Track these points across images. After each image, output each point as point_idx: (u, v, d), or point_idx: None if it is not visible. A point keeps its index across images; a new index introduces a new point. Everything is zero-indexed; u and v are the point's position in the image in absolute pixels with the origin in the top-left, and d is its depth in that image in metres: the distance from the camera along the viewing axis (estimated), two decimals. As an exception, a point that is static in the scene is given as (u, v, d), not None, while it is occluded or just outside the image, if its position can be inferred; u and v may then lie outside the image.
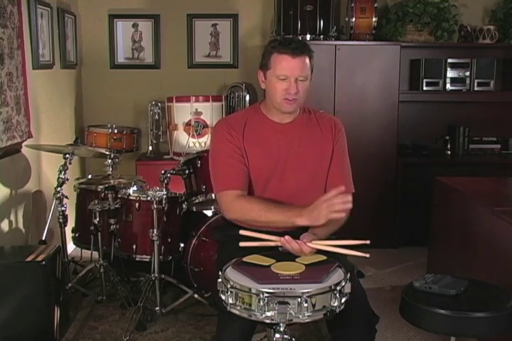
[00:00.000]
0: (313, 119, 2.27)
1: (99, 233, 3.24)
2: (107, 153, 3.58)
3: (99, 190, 3.37)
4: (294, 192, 2.20)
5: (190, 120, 4.19)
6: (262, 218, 2.04)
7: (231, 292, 1.71)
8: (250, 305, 1.67)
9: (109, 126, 4.15)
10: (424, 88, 4.44)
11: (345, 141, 2.30)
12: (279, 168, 2.19)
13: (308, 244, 1.92)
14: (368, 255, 1.86)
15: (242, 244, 1.93)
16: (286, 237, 1.92)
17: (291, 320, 1.65)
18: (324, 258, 1.92)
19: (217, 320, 2.12)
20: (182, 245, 3.24)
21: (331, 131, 2.25)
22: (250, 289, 1.68)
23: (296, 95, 2.10)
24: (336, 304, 1.70)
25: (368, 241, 1.87)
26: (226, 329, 1.96)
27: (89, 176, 3.74)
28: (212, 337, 2.14)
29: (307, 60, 2.14)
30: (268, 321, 1.66)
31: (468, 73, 4.44)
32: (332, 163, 2.24)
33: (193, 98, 4.21)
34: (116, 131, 4.14)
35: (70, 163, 3.26)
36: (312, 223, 1.95)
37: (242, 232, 1.97)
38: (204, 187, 3.08)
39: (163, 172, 3.13)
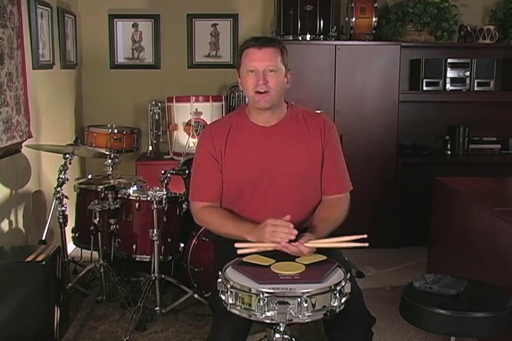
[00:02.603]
0: (301, 120, 2.22)
1: (99, 233, 3.24)
2: (107, 153, 3.58)
3: (99, 190, 3.37)
4: (285, 195, 2.18)
5: (190, 120, 4.19)
6: (220, 230, 2.16)
7: (231, 292, 1.71)
8: (250, 305, 1.67)
9: (109, 126, 4.15)
10: (424, 88, 4.44)
11: (338, 138, 2.27)
12: (267, 173, 2.16)
13: (306, 244, 1.92)
14: (366, 244, 1.86)
15: (240, 251, 1.94)
16: (282, 243, 1.93)
17: (291, 320, 1.65)
18: (324, 258, 1.92)
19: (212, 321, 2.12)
20: (182, 245, 3.24)
21: (319, 132, 2.21)
22: (250, 289, 1.67)
23: (267, 87, 2.07)
24: (335, 304, 1.70)
25: (365, 236, 1.88)
26: (220, 330, 1.96)
27: (89, 176, 3.74)
28: (206, 338, 2.13)
29: (276, 53, 2.10)
30: (268, 321, 1.66)
31: (468, 73, 4.45)
32: (325, 163, 2.21)
33: (193, 98, 4.20)
34: (116, 131, 4.14)
35: (70, 163, 3.26)
36: (256, 239, 1.99)
37: (237, 245, 1.97)
38: (204, 187, 3.08)
39: (163, 172, 3.13)
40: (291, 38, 4.18)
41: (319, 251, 1.97)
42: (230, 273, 1.81)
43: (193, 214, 2.26)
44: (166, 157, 4.40)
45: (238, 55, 2.16)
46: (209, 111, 4.21)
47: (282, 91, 2.15)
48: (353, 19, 4.24)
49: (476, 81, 4.47)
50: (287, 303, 1.63)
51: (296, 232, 1.93)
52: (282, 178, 2.17)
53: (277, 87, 2.10)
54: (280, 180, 2.17)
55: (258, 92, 2.09)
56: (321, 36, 4.21)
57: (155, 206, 3.00)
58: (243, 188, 2.19)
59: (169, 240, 3.22)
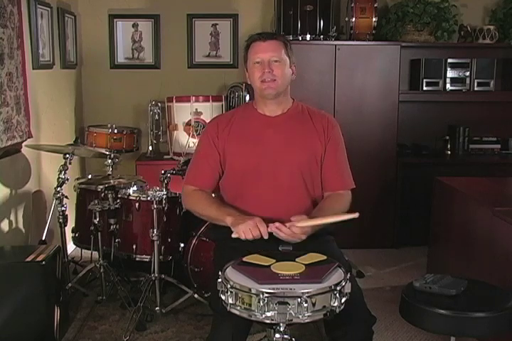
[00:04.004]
0: (306, 114, 2.29)
1: (99, 233, 3.24)
2: (107, 153, 3.58)
3: (99, 190, 3.37)
4: (286, 185, 2.21)
5: (190, 120, 4.19)
6: (204, 212, 2.22)
7: (231, 292, 1.71)
8: (250, 305, 1.67)
9: (109, 126, 4.14)
10: (424, 88, 4.44)
11: (341, 136, 2.32)
12: (270, 161, 2.21)
13: (298, 224, 1.96)
14: (356, 215, 1.90)
15: (234, 235, 2.00)
16: (276, 224, 1.97)
17: (291, 320, 1.64)
18: (324, 258, 1.92)
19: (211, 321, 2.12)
20: (182, 245, 3.24)
21: (323, 129, 2.26)
22: (250, 289, 1.67)
23: (272, 75, 2.15)
24: (336, 304, 1.70)
25: (356, 214, 1.91)
26: (220, 330, 1.97)
27: (89, 176, 3.73)
28: (206, 338, 2.14)
29: (280, 45, 2.20)
30: (268, 321, 1.66)
31: (468, 73, 4.45)
32: (327, 159, 2.25)
33: (193, 98, 4.20)
34: (116, 131, 4.13)
35: (70, 163, 3.25)
36: (231, 226, 2.04)
37: (234, 235, 2.02)
38: (204, 187, 3.08)
39: (163, 172, 3.13)
40: (291, 38, 4.17)
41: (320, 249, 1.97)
42: (230, 273, 1.81)
43: (182, 198, 2.32)
44: (166, 157, 4.40)
45: (245, 50, 2.25)
46: (209, 111, 4.21)
47: (288, 82, 2.23)
48: (353, 19, 4.23)
49: (476, 81, 4.46)
50: (287, 303, 1.63)
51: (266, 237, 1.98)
52: (285, 167, 2.20)
53: (282, 76, 2.18)
54: (283, 169, 2.20)
55: (264, 81, 2.16)
56: (321, 36, 4.21)
57: (155, 206, 3.00)
58: (246, 176, 2.23)
59: (169, 240, 3.22)
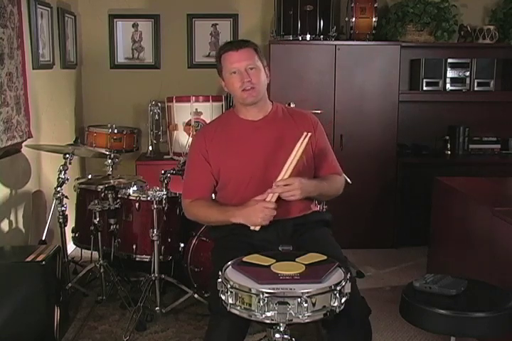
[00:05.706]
0: (286, 114, 2.39)
1: (99, 233, 3.24)
2: (107, 153, 3.58)
3: (99, 190, 3.37)
4: None
5: (190, 120, 4.19)
6: (208, 220, 2.33)
7: (231, 292, 1.71)
8: (250, 305, 1.67)
9: (109, 126, 4.14)
10: (424, 88, 4.44)
11: (324, 132, 2.43)
12: (261, 164, 2.26)
13: (278, 178, 2.09)
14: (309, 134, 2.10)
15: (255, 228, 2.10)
16: (269, 190, 2.10)
17: (291, 320, 1.65)
18: (324, 258, 1.92)
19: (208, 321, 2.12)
20: (182, 245, 3.24)
21: (307, 127, 2.32)
22: (250, 289, 1.68)
23: (252, 83, 2.23)
24: (335, 304, 1.70)
25: (309, 134, 2.11)
26: (216, 331, 1.97)
27: (89, 176, 3.73)
28: (203, 339, 2.14)
29: (252, 51, 2.27)
30: (268, 321, 1.66)
31: (468, 73, 4.44)
32: (319, 153, 2.35)
33: (193, 98, 4.20)
34: (116, 131, 4.13)
35: (70, 163, 3.25)
36: (245, 221, 2.12)
37: (256, 228, 2.13)
38: (204, 187, 3.08)
39: (163, 172, 3.13)
40: (291, 38, 4.18)
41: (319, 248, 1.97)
42: (230, 273, 1.81)
43: (184, 210, 2.41)
44: (166, 157, 4.40)
45: (217, 61, 2.32)
46: (209, 111, 4.21)
47: (265, 86, 2.32)
48: (353, 19, 4.23)
49: (476, 81, 4.46)
50: (287, 303, 1.63)
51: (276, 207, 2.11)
52: (276, 167, 2.22)
53: (260, 83, 2.27)
54: (274, 170, 2.22)
55: (245, 90, 2.23)
56: (321, 36, 4.20)
57: (155, 206, 3.00)
58: (241, 180, 2.28)
59: (169, 240, 3.22)
